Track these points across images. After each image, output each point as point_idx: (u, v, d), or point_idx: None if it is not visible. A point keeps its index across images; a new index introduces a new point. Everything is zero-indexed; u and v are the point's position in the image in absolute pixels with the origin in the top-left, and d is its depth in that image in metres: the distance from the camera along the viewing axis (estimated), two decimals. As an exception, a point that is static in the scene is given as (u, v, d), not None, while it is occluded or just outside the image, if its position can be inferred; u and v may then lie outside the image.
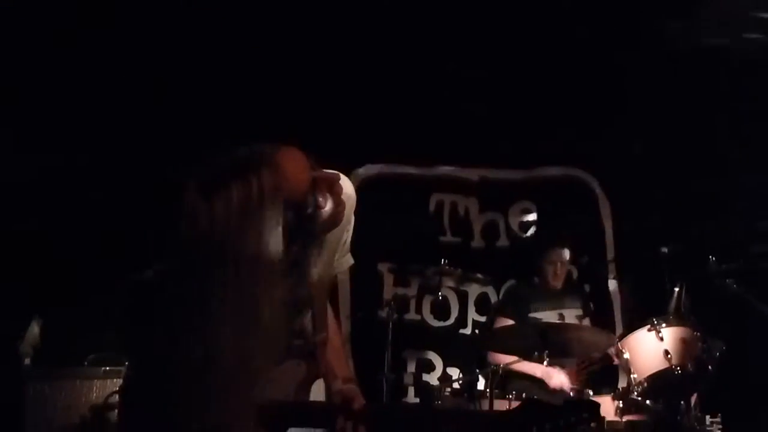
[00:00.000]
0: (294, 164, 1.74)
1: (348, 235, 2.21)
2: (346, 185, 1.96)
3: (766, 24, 4.65)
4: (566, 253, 4.57)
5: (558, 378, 4.09)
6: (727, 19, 4.64)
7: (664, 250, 4.09)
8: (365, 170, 5.31)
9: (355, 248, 2.27)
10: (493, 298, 5.36)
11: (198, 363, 1.59)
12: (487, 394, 3.79)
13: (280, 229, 1.67)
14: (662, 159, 5.20)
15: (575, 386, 4.07)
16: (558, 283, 4.55)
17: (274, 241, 1.66)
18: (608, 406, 3.85)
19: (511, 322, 4.46)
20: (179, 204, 1.68)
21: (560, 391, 4.05)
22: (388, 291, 5.29)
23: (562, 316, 4.47)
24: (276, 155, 1.72)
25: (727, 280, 3.89)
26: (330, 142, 5.03)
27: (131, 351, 1.94)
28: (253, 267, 1.63)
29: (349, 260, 2.27)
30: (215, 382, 1.61)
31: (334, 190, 1.83)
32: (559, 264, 4.54)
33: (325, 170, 1.82)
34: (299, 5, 4.54)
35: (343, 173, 1.92)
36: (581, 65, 5.03)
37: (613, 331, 4.96)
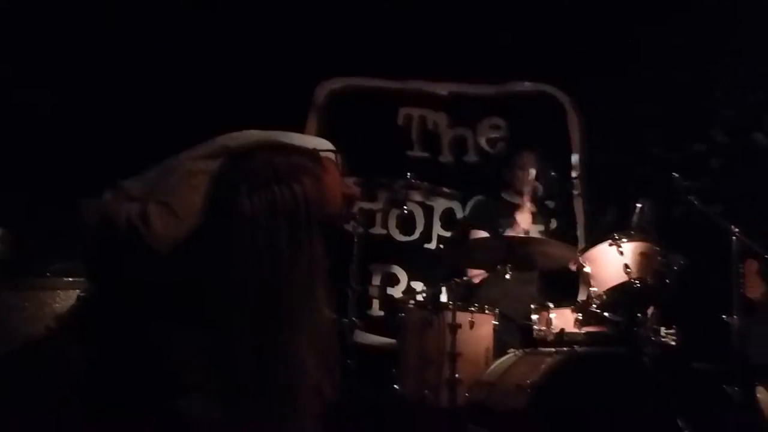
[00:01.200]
0: (334, 179, 1.75)
1: None
2: None
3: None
4: (534, 159, 4.55)
5: None
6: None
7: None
8: (333, 83, 5.13)
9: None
10: (459, 213, 5.39)
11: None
12: (450, 306, 3.85)
13: (321, 238, 1.72)
14: (635, 78, 5.16)
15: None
16: (526, 190, 4.52)
17: (318, 253, 1.74)
18: (568, 318, 3.94)
19: (484, 233, 4.50)
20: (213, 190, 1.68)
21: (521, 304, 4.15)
22: (355, 205, 5.30)
23: (527, 232, 4.52)
24: (317, 167, 1.71)
25: (689, 197, 3.96)
26: (298, 53, 4.97)
27: (88, 275, 1.93)
28: (297, 280, 1.73)
29: None
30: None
31: (352, 205, 1.88)
32: (527, 172, 4.51)
33: (348, 182, 1.84)
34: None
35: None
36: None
37: (576, 246, 5.04)
